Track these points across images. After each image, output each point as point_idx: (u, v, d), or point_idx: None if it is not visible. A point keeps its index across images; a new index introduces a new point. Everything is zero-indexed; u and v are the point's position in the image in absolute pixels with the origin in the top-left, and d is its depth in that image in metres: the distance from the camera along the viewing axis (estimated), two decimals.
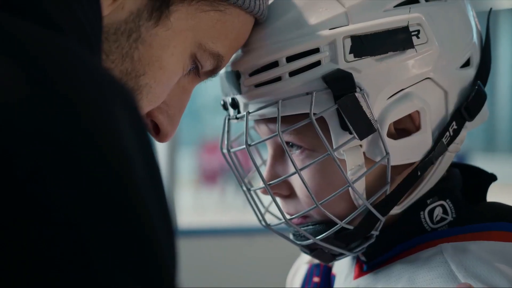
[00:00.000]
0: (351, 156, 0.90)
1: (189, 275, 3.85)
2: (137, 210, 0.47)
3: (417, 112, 0.91)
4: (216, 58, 0.85)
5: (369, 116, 0.88)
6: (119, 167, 0.47)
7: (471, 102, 0.93)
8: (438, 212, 0.94)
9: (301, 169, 0.90)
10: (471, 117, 0.94)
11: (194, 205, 10.38)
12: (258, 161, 1.02)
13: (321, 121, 0.89)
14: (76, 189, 0.44)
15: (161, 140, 0.87)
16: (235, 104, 0.94)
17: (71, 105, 0.47)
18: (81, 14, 0.60)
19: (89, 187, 0.45)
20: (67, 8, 0.58)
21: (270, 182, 0.93)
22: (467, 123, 0.94)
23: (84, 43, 0.59)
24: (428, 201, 0.94)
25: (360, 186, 0.91)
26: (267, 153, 0.98)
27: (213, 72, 0.87)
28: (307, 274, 1.07)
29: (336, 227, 0.91)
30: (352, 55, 0.88)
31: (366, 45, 0.88)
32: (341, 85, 0.87)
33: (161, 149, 4.14)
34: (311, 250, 0.96)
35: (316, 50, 0.88)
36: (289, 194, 0.96)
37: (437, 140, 0.93)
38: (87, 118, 0.47)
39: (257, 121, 0.96)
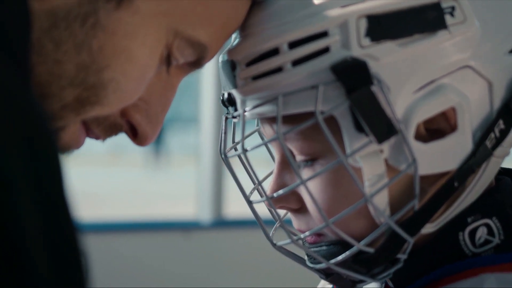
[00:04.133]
0: (369, 163, 0.73)
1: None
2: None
3: (453, 108, 0.74)
4: (198, 48, 0.70)
5: (389, 114, 0.71)
6: None
7: None
8: (481, 233, 0.76)
9: (308, 179, 0.73)
10: None
11: None
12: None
13: (332, 121, 0.72)
14: None
15: (140, 144, 0.74)
16: (231, 100, 0.78)
17: None
18: None
19: None
20: None
21: (273, 194, 0.77)
22: None
23: None
24: (469, 219, 0.76)
25: (382, 200, 0.74)
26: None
27: (197, 64, 0.72)
28: None
29: (352, 249, 0.75)
30: (368, 39, 0.71)
31: (385, 26, 0.71)
32: (354, 77, 0.71)
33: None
34: (327, 274, 0.80)
35: (324, 34, 0.72)
36: (300, 207, 0.79)
37: (479, 142, 0.75)
38: None
39: (262, 121, 0.80)
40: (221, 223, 3.79)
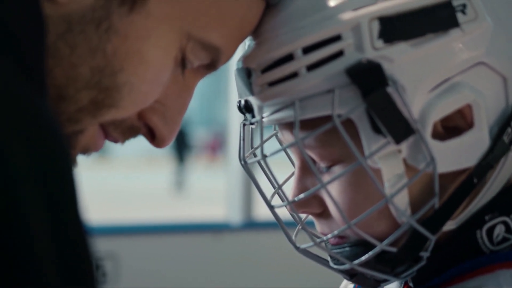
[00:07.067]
0: (388, 164, 0.74)
1: None
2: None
3: (469, 105, 0.74)
4: (211, 51, 0.71)
5: (405, 114, 0.72)
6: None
7: None
8: (499, 230, 0.76)
9: (328, 183, 0.74)
10: None
11: None
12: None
13: (349, 124, 0.73)
14: None
15: (158, 146, 0.75)
16: (248, 107, 0.79)
17: None
18: (5, 15, 0.52)
19: None
20: None
21: (295, 199, 0.78)
22: None
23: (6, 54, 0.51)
24: (487, 218, 0.76)
25: (403, 200, 0.75)
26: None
27: (212, 67, 0.73)
28: None
29: (375, 249, 0.75)
30: (381, 40, 0.72)
31: (398, 27, 0.72)
32: (369, 79, 0.71)
33: None
34: (351, 275, 0.81)
35: (337, 38, 0.72)
36: (322, 211, 0.80)
37: (496, 138, 0.75)
38: None
39: (280, 127, 0.81)
40: (251, 225, 3.80)
